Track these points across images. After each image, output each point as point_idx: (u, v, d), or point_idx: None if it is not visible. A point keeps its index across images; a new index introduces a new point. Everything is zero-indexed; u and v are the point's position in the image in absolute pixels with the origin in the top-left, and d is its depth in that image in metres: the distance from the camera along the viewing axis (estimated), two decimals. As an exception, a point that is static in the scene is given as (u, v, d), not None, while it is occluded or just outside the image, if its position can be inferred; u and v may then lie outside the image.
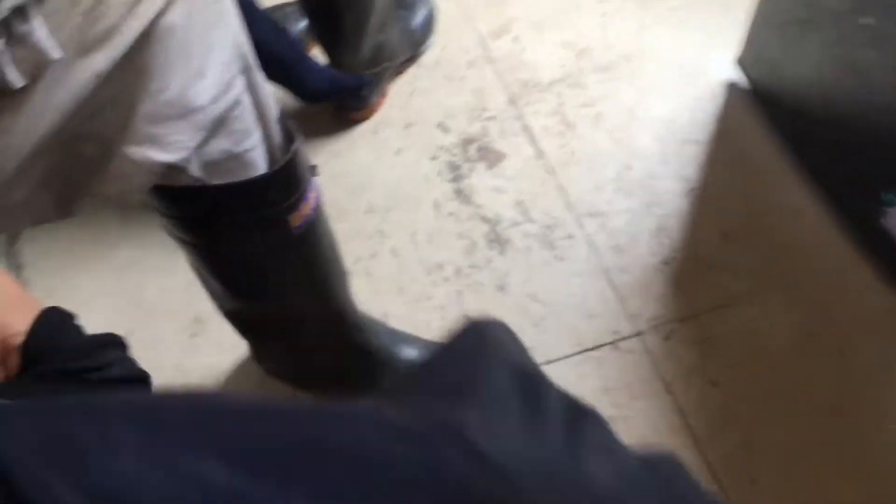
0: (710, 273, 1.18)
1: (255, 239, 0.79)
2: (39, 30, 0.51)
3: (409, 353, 1.03)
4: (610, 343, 1.12)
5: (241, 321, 0.96)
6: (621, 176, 1.28)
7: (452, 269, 1.21)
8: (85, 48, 0.56)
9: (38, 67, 0.52)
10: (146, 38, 0.59)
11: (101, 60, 0.57)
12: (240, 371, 1.12)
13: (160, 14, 0.58)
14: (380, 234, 1.25)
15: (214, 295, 0.91)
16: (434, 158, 1.32)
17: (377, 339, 1.02)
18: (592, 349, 1.12)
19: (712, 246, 1.20)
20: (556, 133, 1.33)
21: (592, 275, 1.19)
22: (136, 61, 0.59)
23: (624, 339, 1.13)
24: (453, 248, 1.22)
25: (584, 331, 1.14)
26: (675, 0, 1.47)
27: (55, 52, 0.49)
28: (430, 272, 1.20)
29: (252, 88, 0.69)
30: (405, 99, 1.39)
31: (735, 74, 1.36)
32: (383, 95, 1.37)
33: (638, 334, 1.13)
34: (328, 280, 0.90)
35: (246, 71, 0.68)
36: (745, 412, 1.06)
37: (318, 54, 1.33)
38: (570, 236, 1.22)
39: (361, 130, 1.36)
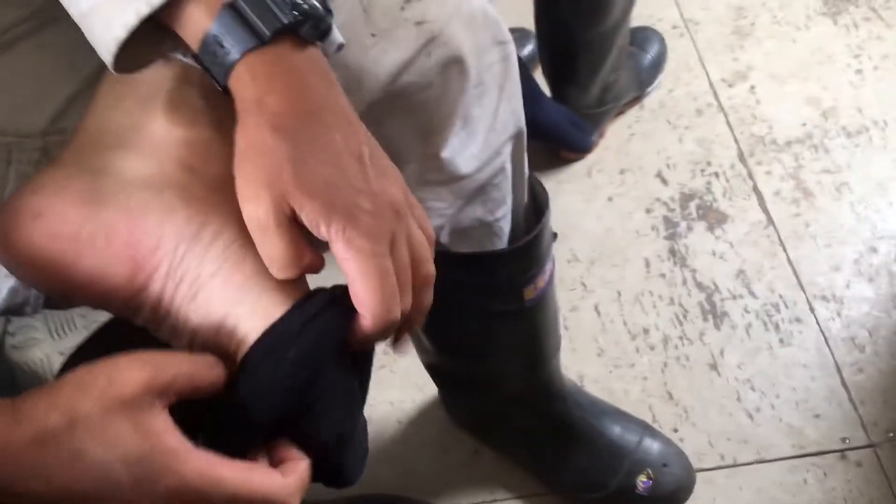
0: (964, 387, 1.02)
1: (481, 307, 0.74)
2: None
3: (613, 429, 0.95)
4: (837, 451, 0.99)
5: (440, 375, 0.92)
6: (863, 258, 1.14)
7: (659, 336, 1.11)
8: (368, 70, 0.52)
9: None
10: (431, 90, 0.54)
11: (379, 88, 0.53)
12: (425, 414, 1.07)
13: (446, 67, 0.53)
14: (582, 286, 1.17)
15: (420, 347, 0.87)
16: (648, 211, 1.22)
17: (579, 410, 0.94)
18: (816, 454, 0.99)
19: (970, 356, 1.04)
20: (789, 200, 1.20)
21: (821, 368, 1.06)
22: (419, 115, 0.54)
23: (854, 448, 0.99)
24: (662, 314, 1.13)
25: (807, 432, 1.01)
26: (945, 63, 1.30)
27: (339, 38, 0.45)
28: (634, 337, 1.11)
29: (516, 156, 0.63)
30: (623, 142, 1.30)
31: None
32: (601, 136, 1.29)
33: (871, 446, 0.99)
34: (543, 351, 0.84)
35: (515, 137, 0.62)
36: None
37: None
38: (797, 320, 1.10)
39: (573, 171, 1.28)
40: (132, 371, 0.35)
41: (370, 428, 1.15)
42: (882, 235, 1.15)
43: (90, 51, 0.47)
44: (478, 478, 1.02)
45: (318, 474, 0.40)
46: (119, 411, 0.34)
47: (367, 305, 0.39)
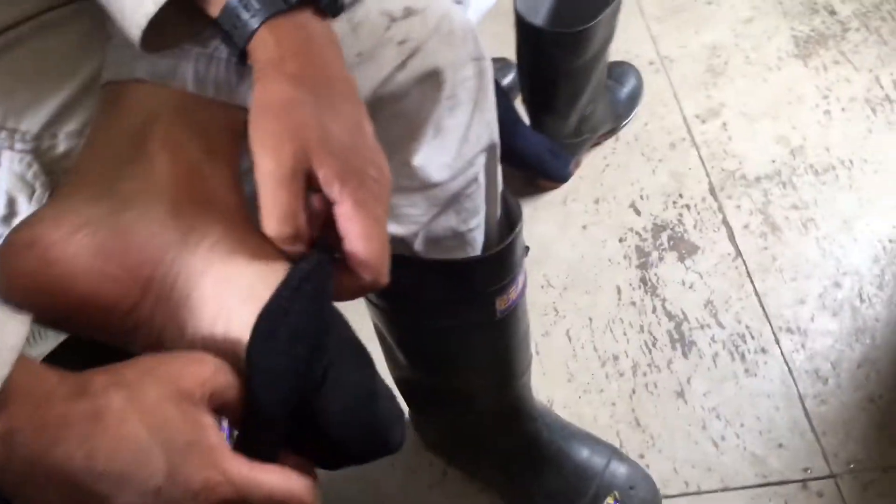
0: (924, 421, 1.04)
1: (454, 317, 0.74)
2: None
3: (581, 451, 0.95)
4: (799, 481, 1.00)
5: (412, 391, 0.92)
6: (828, 293, 1.16)
7: (629, 363, 1.12)
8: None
9: None
10: (406, 100, 0.55)
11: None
12: (394, 434, 1.07)
13: (423, 80, 0.55)
14: (554, 312, 1.18)
15: (393, 362, 0.87)
16: (621, 240, 1.24)
17: (548, 431, 0.95)
18: (778, 484, 1.01)
19: (929, 390, 1.07)
20: (758, 233, 1.23)
21: (785, 399, 1.07)
22: (394, 124, 0.56)
23: (815, 479, 1.00)
24: (632, 342, 1.14)
25: (769, 461, 1.02)
26: (910, 108, 1.34)
27: None
28: (604, 363, 1.13)
29: (490, 167, 0.65)
30: (598, 172, 1.32)
31: (973, 199, 1.22)
32: (577, 165, 1.31)
33: (832, 476, 1.00)
34: (514, 366, 0.85)
35: (489, 150, 0.63)
36: None
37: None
38: (763, 350, 1.12)
39: (548, 199, 1.30)
40: (197, 366, 0.37)
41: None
42: (846, 271, 1.18)
43: (85, 57, 0.48)
44: (447, 499, 1.02)
45: (362, 447, 0.40)
46: (175, 400, 0.35)
47: (369, 266, 0.41)
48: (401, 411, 0.43)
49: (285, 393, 0.37)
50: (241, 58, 0.43)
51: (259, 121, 0.41)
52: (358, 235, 0.41)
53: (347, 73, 0.44)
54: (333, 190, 0.41)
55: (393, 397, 0.43)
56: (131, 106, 0.44)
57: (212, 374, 0.37)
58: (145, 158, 0.43)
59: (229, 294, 0.40)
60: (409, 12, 0.53)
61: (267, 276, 0.40)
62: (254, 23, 0.41)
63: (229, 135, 0.45)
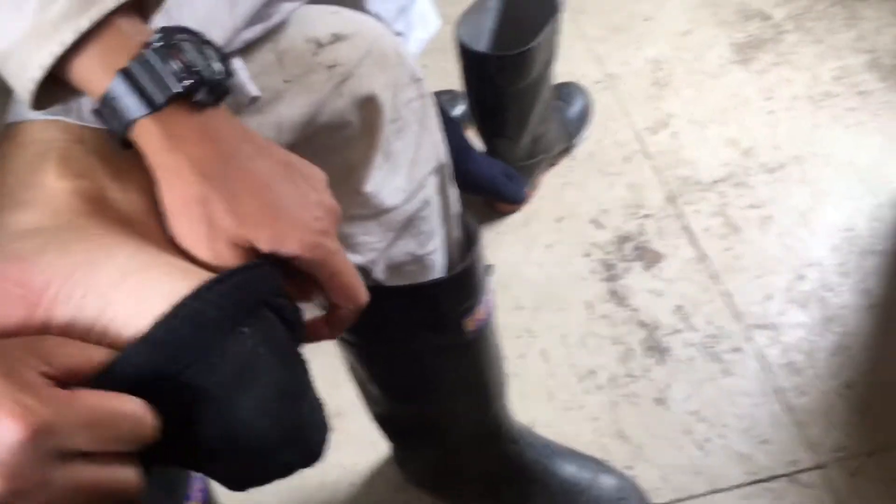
0: (901, 402, 1.05)
1: (424, 343, 0.74)
2: (241, 70, 0.50)
3: (566, 468, 0.95)
4: (787, 475, 1.01)
5: (391, 426, 0.91)
6: (793, 286, 1.18)
7: (606, 376, 1.12)
8: (283, 115, 0.53)
9: (237, 106, 0.50)
10: (348, 128, 0.56)
11: (295, 131, 0.54)
12: (378, 474, 1.06)
13: (361, 105, 0.55)
14: (528, 333, 1.18)
15: (369, 398, 0.86)
16: (587, 256, 1.25)
17: (532, 451, 0.94)
18: (767, 480, 1.00)
19: (903, 371, 1.08)
20: (719, 235, 1.25)
21: (764, 394, 1.08)
22: (339, 153, 0.56)
23: (803, 471, 1.01)
24: (607, 354, 1.14)
25: (756, 458, 1.02)
26: (851, 101, 1.38)
27: (254, 90, 0.47)
28: (581, 379, 1.12)
29: (442, 189, 0.65)
30: (557, 191, 1.34)
31: (922, 181, 1.25)
32: (535, 187, 1.33)
33: (819, 467, 1.01)
34: (490, 387, 0.84)
35: (439, 170, 0.64)
36: (951, 571, 0.92)
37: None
38: (737, 349, 1.12)
39: (510, 222, 1.31)
40: (30, 340, 0.36)
41: (323, 493, 1.12)
42: (809, 263, 1.20)
43: (4, 105, 0.47)
44: (435, 532, 1.00)
45: (281, 448, 0.38)
46: None
47: (354, 298, 0.44)
48: (328, 425, 0.41)
49: (153, 364, 0.35)
50: (124, 144, 0.42)
51: (179, 227, 0.41)
52: (332, 274, 0.43)
53: (247, 130, 0.43)
54: (284, 251, 0.41)
55: (322, 408, 0.41)
56: (25, 142, 0.44)
57: (44, 343, 0.35)
58: (41, 190, 0.42)
59: (151, 296, 0.38)
60: (336, 38, 0.54)
61: (191, 279, 0.39)
62: (127, 120, 0.40)
63: (138, 160, 0.44)
